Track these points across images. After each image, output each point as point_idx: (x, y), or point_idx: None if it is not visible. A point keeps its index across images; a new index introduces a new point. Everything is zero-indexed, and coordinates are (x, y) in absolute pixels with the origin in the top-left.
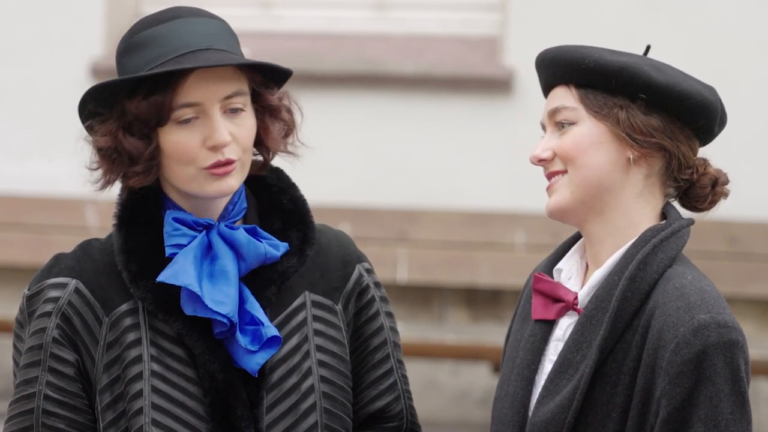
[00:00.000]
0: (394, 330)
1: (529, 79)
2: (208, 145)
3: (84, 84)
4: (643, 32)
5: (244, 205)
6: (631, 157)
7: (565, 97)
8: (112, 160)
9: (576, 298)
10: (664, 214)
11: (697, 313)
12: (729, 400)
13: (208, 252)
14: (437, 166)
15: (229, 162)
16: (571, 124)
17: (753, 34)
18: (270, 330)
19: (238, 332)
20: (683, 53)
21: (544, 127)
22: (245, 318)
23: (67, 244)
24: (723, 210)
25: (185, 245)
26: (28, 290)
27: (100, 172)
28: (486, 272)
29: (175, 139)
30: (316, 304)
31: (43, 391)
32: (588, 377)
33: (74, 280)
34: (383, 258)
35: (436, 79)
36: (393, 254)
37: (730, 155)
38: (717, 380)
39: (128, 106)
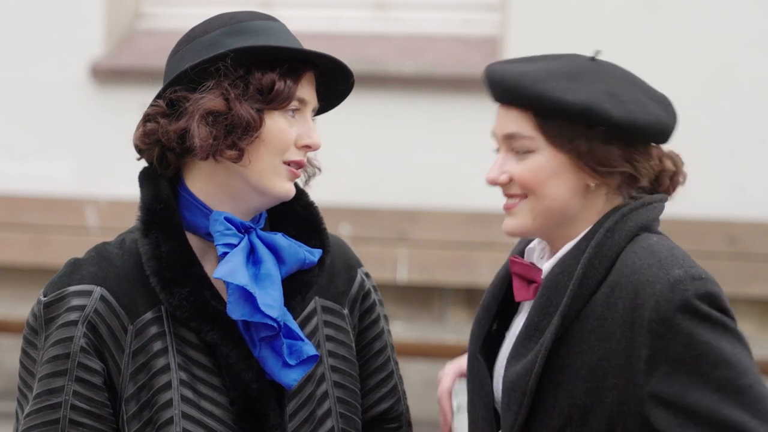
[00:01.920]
0: (389, 332)
1: None
2: (302, 143)
3: (84, 84)
4: (643, 32)
5: (265, 213)
6: (592, 185)
7: (521, 122)
8: (222, 125)
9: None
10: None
11: (670, 269)
12: (726, 338)
13: (250, 255)
14: (437, 166)
15: (302, 165)
16: (529, 151)
17: (753, 34)
18: (308, 348)
19: (284, 345)
20: (683, 53)
21: (494, 136)
22: (283, 329)
23: (67, 244)
24: (723, 210)
25: (236, 245)
26: (45, 296)
27: (197, 138)
28: (486, 272)
29: (281, 126)
30: (325, 310)
31: (70, 401)
32: (549, 343)
33: (99, 288)
34: (383, 258)
35: (436, 79)
36: (393, 254)
37: (730, 155)
38: (707, 326)
39: (258, 77)
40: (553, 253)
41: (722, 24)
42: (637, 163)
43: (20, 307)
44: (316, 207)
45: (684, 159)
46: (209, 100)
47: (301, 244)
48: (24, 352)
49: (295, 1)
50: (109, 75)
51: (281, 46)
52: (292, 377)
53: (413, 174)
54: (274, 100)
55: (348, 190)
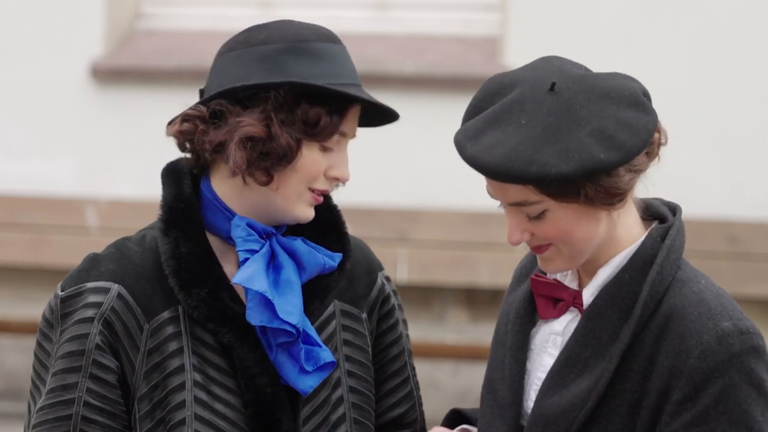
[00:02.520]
0: (408, 337)
1: None
2: (332, 175)
3: (84, 84)
4: (643, 32)
5: None
6: (613, 214)
7: (523, 192)
8: (258, 150)
9: (578, 297)
10: (646, 207)
11: (719, 321)
12: (758, 403)
13: (271, 261)
14: (437, 166)
15: (327, 193)
16: (543, 212)
17: (753, 34)
18: (326, 354)
19: (302, 351)
20: (683, 53)
21: (493, 198)
22: (301, 335)
23: (67, 244)
24: (723, 210)
25: (257, 251)
26: (62, 291)
27: (231, 160)
28: (486, 272)
29: (317, 158)
30: (344, 314)
31: (83, 398)
32: (607, 380)
33: (116, 285)
34: (383, 258)
35: (436, 79)
36: (393, 254)
37: (730, 155)
38: (744, 386)
39: (305, 109)
40: (579, 271)
41: (722, 24)
42: (640, 163)
43: (20, 307)
44: (339, 210)
45: (684, 159)
46: (250, 125)
47: (321, 248)
48: (39, 345)
49: (295, 1)
50: (109, 75)
51: (337, 89)
52: (308, 384)
53: (413, 174)
54: (316, 135)
55: (348, 189)
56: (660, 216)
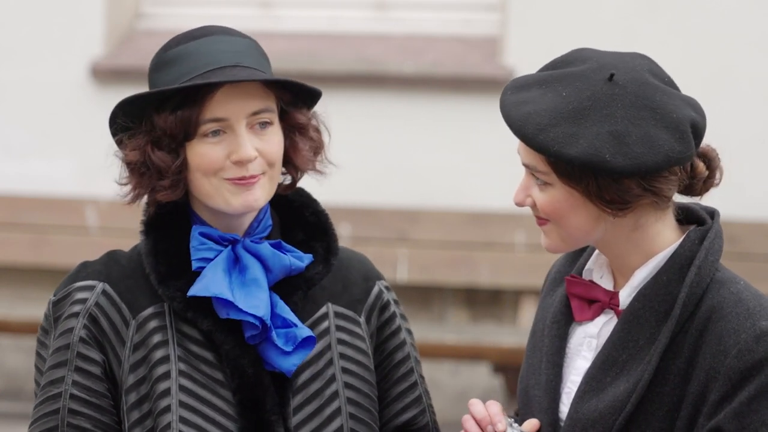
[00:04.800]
0: (414, 346)
1: None
2: (233, 160)
3: (84, 84)
4: (643, 32)
5: (269, 222)
6: (611, 218)
7: (535, 157)
8: (141, 174)
9: (614, 297)
10: (682, 211)
11: (758, 320)
12: None
13: (235, 264)
14: (437, 166)
15: (252, 177)
16: (547, 183)
17: (753, 34)
18: (303, 331)
19: (274, 334)
20: (683, 53)
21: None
22: (276, 321)
23: (67, 244)
24: (723, 210)
25: (211, 259)
26: (54, 296)
27: (129, 186)
28: (486, 272)
29: (201, 152)
30: (338, 315)
31: (69, 391)
32: (646, 382)
33: (101, 283)
34: (383, 258)
35: (436, 79)
36: (393, 254)
37: (730, 155)
38: None
39: (157, 120)
40: (614, 273)
41: (722, 24)
42: (659, 186)
43: (20, 307)
44: (326, 215)
45: None
46: (126, 154)
47: (293, 250)
48: (37, 354)
49: (295, 1)
50: (109, 75)
51: (167, 88)
52: (291, 362)
53: (413, 174)
54: (179, 135)
55: (348, 190)
56: (698, 220)
